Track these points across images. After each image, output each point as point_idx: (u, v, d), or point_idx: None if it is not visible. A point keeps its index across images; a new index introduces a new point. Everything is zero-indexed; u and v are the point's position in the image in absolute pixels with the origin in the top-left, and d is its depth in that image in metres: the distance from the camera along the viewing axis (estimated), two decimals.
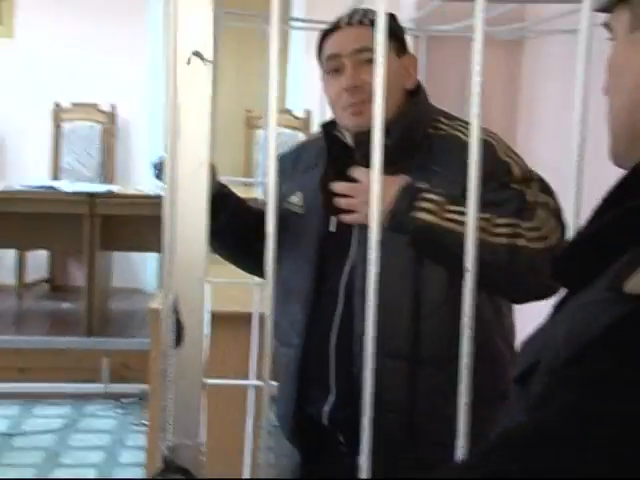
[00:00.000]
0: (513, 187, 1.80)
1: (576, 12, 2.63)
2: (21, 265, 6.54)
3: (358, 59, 1.89)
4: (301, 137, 6.53)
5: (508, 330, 1.95)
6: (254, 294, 3.43)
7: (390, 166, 1.75)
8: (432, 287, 1.84)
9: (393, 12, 1.98)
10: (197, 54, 1.28)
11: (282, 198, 2.00)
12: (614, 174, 0.91)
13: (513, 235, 1.72)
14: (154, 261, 6.73)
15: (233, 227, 2.01)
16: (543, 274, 1.60)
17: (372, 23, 1.85)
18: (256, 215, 1.91)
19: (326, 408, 1.92)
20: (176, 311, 1.30)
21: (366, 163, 1.73)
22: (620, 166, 0.94)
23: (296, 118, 6.43)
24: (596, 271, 0.83)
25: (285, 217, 1.96)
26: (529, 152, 3.58)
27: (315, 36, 3.68)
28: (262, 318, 3.42)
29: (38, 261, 6.65)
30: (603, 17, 1.01)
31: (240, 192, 2.15)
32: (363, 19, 1.92)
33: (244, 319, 3.63)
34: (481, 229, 1.61)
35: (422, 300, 1.83)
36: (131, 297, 6.55)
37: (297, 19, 5.18)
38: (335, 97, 1.94)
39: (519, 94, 3.88)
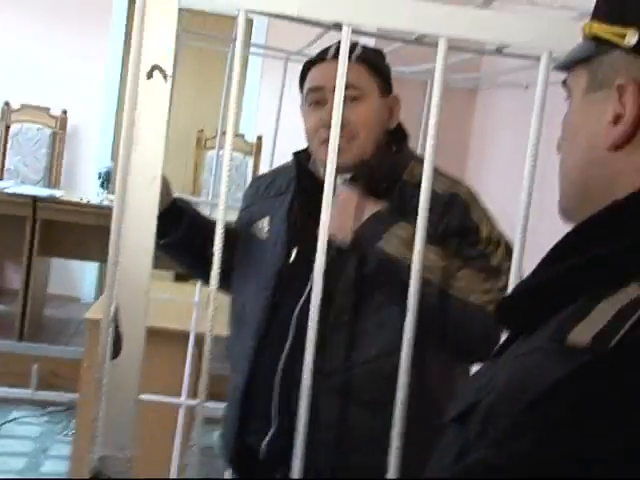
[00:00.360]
0: (478, 248, 1.78)
1: (529, 68, 2.70)
2: None
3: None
4: (250, 162, 6.53)
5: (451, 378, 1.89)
6: (193, 312, 3.42)
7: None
8: (385, 331, 1.78)
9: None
10: (158, 68, 1.28)
11: (251, 221, 2.01)
12: (558, 226, 0.93)
13: (470, 290, 1.71)
14: (93, 270, 6.65)
15: (189, 240, 1.99)
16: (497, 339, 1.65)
17: (359, 59, 1.85)
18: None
19: (266, 440, 1.87)
20: (116, 322, 1.29)
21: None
22: (568, 221, 0.96)
23: (247, 143, 6.43)
24: (539, 320, 0.85)
25: (249, 241, 1.97)
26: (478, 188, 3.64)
27: (273, 63, 3.71)
28: (199, 337, 3.41)
29: None
30: (556, 75, 1.03)
31: None
32: (350, 55, 1.77)
33: (178, 337, 3.62)
34: (437, 270, 1.68)
35: (371, 343, 1.79)
36: (67, 305, 6.45)
37: (257, 45, 5.19)
38: (313, 130, 1.89)
39: (470, 140, 3.95)
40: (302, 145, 1.99)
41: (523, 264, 1.46)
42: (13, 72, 6.55)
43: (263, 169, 6.38)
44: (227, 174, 1.33)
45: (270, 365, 1.86)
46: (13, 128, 6.53)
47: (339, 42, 1.82)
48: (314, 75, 1.90)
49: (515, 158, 3.41)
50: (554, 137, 1.32)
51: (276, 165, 2.16)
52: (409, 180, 1.85)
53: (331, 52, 1.88)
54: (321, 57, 1.89)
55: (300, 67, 1.94)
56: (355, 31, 1.36)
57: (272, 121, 3.57)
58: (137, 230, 1.29)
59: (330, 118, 1.76)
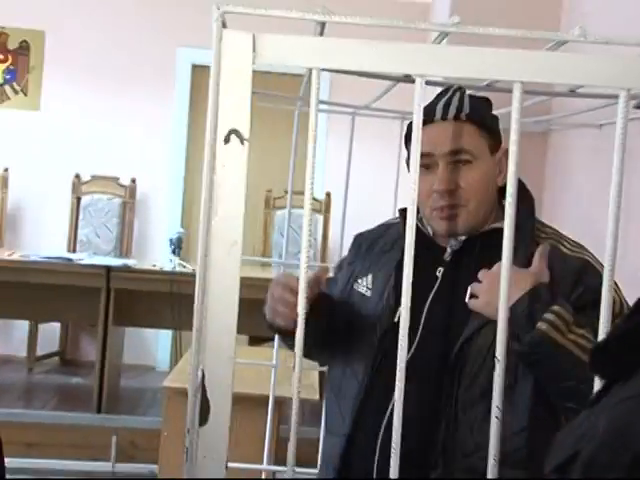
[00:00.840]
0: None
1: (602, 107, 2.69)
2: (32, 337, 6.53)
3: (452, 160, 1.81)
4: (320, 220, 6.57)
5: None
6: (271, 375, 3.43)
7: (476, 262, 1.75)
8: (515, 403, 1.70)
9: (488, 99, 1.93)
10: (235, 132, 1.31)
11: (354, 277, 2.00)
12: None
13: None
14: (167, 338, 6.72)
15: (328, 327, 1.95)
16: None
17: (468, 117, 1.81)
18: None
19: None
20: (203, 389, 1.30)
21: (454, 264, 1.74)
22: None
23: (316, 200, 6.48)
24: (636, 365, 0.83)
25: (351, 297, 1.97)
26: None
27: (338, 119, 3.74)
28: (277, 401, 3.41)
29: (49, 334, 6.66)
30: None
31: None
32: (459, 114, 1.82)
33: (256, 401, 3.63)
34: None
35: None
36: (142, 374, 6.53)
37: (323, 102, 5.22)
38: (424, 196, 1.82)
39: (544, 183, 3.92)
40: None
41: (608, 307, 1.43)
42: (82, 144, 6.76)
43: (333, 226, 6.43)
44: (308, 235, 1.35)
45: (372, 428, 1.82)
46: (84, 200, 6.70)
47: (446, 101, 1.84)
48: (422, 138, 1.81)
49: (592, 199, 3.37)
50: (632, 176, 1.31)
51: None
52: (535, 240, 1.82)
53: (439, 113, 1.83)
54: (428, 119, 1.78)
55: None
56: (427, 82, 1.37)
57: (339, 177, 3.61)
58: (221, 295, 1.30)
59: (444, 187, 1.79)
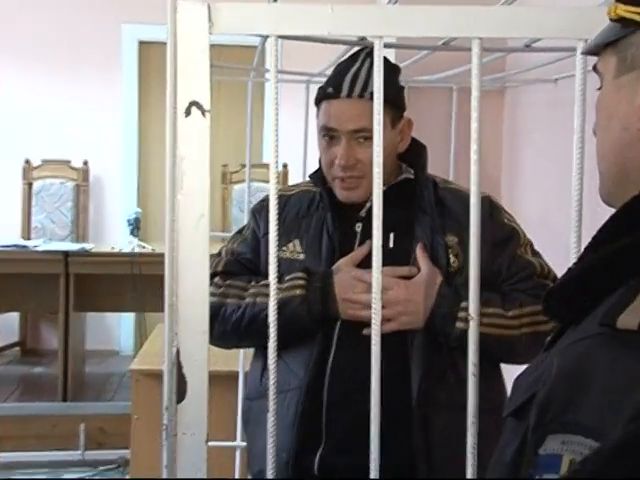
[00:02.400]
0: (521, 256, 1.97)
1: (557, 61, 2.72)
2: None
3: (354, 137, 1.94)
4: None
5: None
6: (240, 351, 3.44)
7: (394, 211, 1.82)
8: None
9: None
10: (196, 104, 1.32)
11: (280, 245, 2.04)
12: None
13: (532, 324, 1.88)
14: (129, 321, 6.70)
15: None
16: None
17: (372, 96, 1.89)
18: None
19: (318, 456, 1.92)
20: (179, 365, 1.31)
21: (370, 218, 1.80)
22: (610, 205, 0.98)
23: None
24: (588, 307, 0.86)
25: (284, 264, 1.99)
26: (514, 201, 3.65)
27: (289, 89, 3.75)
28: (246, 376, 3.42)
29: (8, 324, 6.60)
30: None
31: (219, 247, 2.17)
32: (363, 92, 1.93)
33: (226, 378, 3.64)
34: (505, 327, 1.86)
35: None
36: (107, 360, 6.51)
37: (267, 70, 5.13)
38: (327, 164, 2.00)
39: (502, 140, 3.96)
40: None
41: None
42: (30, 128, 6.67)
43: None
44: (275, 209, 1.36)
45: (317, 379, 1.92)
46: (36, 185, 6.63)
47: (353, 74, 1.94)
48: (328, 112, 1.97)
49: (549, 153, 3.42)
50: (588, 129, 1.34)
51: None
52: (443, 187, 2.03)
53: (345, 89, 1.94)
54: (335, 94, 1.95)
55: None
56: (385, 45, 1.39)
57: (295, 148, 3.62)
58: (191, 270, 1.31)
59: (344, 161, 1.93)
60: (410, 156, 2.06)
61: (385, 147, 1.86)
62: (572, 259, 1.38)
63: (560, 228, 3.17)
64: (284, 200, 2.08)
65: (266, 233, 2.07)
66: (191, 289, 1.31)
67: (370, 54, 1.97)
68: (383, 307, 1.62)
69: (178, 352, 1.32)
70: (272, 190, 1.39)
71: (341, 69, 1.98)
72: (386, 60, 1.95)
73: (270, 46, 1.38)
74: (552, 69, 3.13)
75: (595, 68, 1.01)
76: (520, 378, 0.95)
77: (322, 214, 2.03)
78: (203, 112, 1.32)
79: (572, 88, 2.96)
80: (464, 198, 1.93)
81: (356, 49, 2.04)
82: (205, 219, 1.32)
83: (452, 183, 2.12)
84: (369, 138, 1.90)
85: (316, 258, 1.99)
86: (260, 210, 2.15)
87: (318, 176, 2.07)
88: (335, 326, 1.93)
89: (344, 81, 1.95)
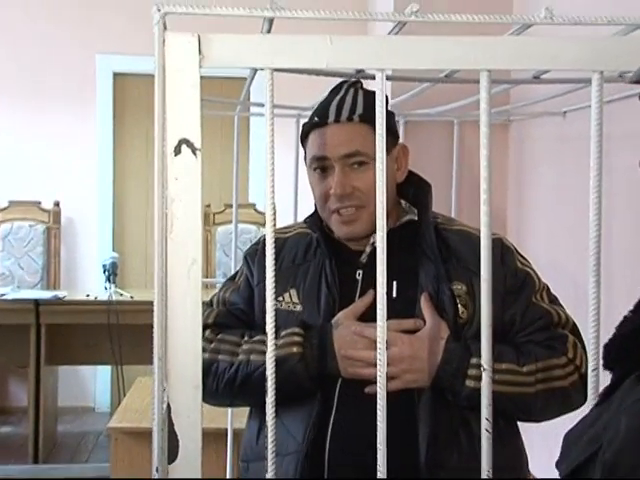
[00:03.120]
0: (536, 304, 1.97)
1: (566, 94, 2.75)
2: None
3: (348, 163, 1.94)
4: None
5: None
6: (228, 409, 3.43)
7: (397, 256, 1.83)
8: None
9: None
10: (186, 142, 1.33)
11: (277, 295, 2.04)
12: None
13: (548, 379, 1.87)
14: (106, 375, 6.67)
15: None
16: (577, 400, 1.85)
17: (362, 118, 1.94)
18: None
19: None
20: (170, 423, 1.31)
21: (371, 265, 1.80)
22: None
23: (260, 213, 6.48)
24: None
25: (280, 317, 1.99)
26: (522, 242, 3.66)
27: (279, 122, 3.77)
28: (236, 434, 3.41)
29: None
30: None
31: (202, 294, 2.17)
32: (351, 115, 1.95)
33: (213, 436, 3.62)
34: (519, 384, 1.85)
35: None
36: (81, 417, 6.48)
37: (257, 104, 5.10)
38: (321, 198, 2.00)
39: (507, 179, 3.98)
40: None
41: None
42: None
43: None
44: (272, 253, 1.37)
45: (318, 441, 1.91)
46: (3, 228, 6.63)
47: (339, 101, 1.98)
48: (316, 141, 1.98)
49: (560, 190, 3.44)
50: (604, 164, 1.35)
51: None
52: (444, 229, 2.04)
53: (331, 115, 1.96)
54: (322, 121, 1.97)
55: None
56: (388, 77, 1.40)
57: (285, 186, 3.63)
58: (182, 320, 1.32)
59: (339, 191, 1.92)
60: (414, 194, 2.07)
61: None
62: (591, 306, 1.39)
63: (573, 271, 3.19)
64: (280, 243, 2.08)
65: (260, 282, 2.08)
66: (182, 340, 1.31)
67: (353, 85, 2.02)
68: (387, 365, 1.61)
69: (169, 408, 1.32)
70: (268, 236, 1.40)
71: (324, 100, 2.02)
72: (370, 92, 1.98)
73: (265, 79, 1.39)
74: (559, 101, 3.16)
75: None
76: (573, 434, 0.94)
77: (320, 261, 2.03)
78: (194, 150, 1.33)
79: (582, 121, 3.00)
80: (471, 240, 1.94)
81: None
82: (197, 265, 1.33)
83: (456, 222, 2.12)
84: (364, 163, 1.93)
85: (314, 310, 1.98)
86: (253, 255, 2.14)
87: (314, 220, 2.07)
88: (336, 385, 1.92)
89: (329, 108, 1.97)
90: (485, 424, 1.39)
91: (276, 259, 2.07)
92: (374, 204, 1.89)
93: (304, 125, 2.03)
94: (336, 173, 1.94)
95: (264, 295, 2.02)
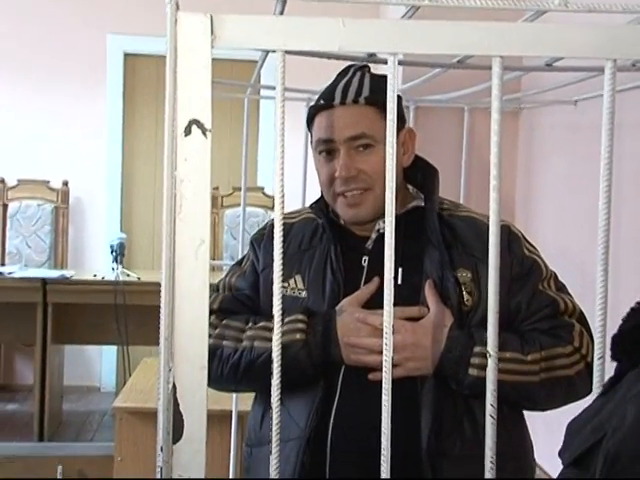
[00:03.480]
0: (543, 291, 1.95)
1: (578, 82, 2.74)
2: None
3: (353, 146, 1.94)
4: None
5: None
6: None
7: (403, 243, 1.83)
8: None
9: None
10: (196, 123, 1.32)
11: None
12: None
13: (553, 368, 1.86)
14: (112, 355, 6.69)
15: None
16: (583, 390, 1.84)
17: (367, 101, 1.93)
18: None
19: None
20: (176, 403, 1.31)
21: (377, 251, 1.79)
22: None
23: (269, 197, 6.47)
24: None
25: (285, 302, 1.98)
26: (530, 230, 3.66)
27: (289, 106, 3.76)
28: (240, 416, 3.43)
29: None
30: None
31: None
32: (357, 98, 1.94)
33: (218, 418, 3.63)
34: (523, 373, 1.84)
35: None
36: (86, 396, 6.50)
37: (268, 87, 5.06)
38: (327, 181, 1.99)
39: (516, 167, 3.97)
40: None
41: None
42: (5, 146, 6.68)
43: None
44: (280, 240, 1.36)
45: (320, 427, 1.91)
46: (11, 207, 6.64)
47: (345, 84, 1.97)
48: (322, 124, 1.97)
49: (570, 179, 3.43)
50: (614, 152, 1.34)
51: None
52: (450, 215, 2.02)
53: (337, 97, 1.95)
54: (328, 104, 1.96)
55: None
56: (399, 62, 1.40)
57: (294, 170, 3.63)
58: (189, 301, 1.31)
59: (345, 173, 1.91)
60: (421, 179, 2.06)
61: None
62: (599, 294, 1.38)
63: (581, 259, 3.18)
64: (287, 228, 2.07)
65: (265, 267, 2.08)
66: (189, 321, 1.31)
67: (360, 69, 2.02)
68: None
69: (174, 388, 1.32)
70: (277, 221, 1.39)
71: (331, 83, 2.01)
72: (376, 75, 1.97)
73: (277, 62, 1.38)
74: (571, 90, 3.15)
75: None
76: (576, 423, 0.94)
77: (326, 247, 2.02)
78: (204, 131, 1.32)
79: (593, 110, 2.99)
80: (478, 226, 1.94)
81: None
82: (205, 246, 1.32)
83: (463, 208, 2.10)
84: (370, 146, 1.92)
85: (319, 296, 1.98)
86: (260, 240, 2.14)
87: (320, 206, 2.07)
88: (339, 371, 1.92)
89: (336, 91, 1.96)
90: (490, 410, 1.38)
91: (283, 244, 2.08)
92: (380, 187, 1.90)
93: (310, 108, 2.03)
94: (341, 156, 1.93)
95: (269, 280, 2.03)
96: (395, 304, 1.49)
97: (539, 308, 1.93)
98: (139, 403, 3.92)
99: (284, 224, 2.06)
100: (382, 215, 1.88)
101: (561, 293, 1.98)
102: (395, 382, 1.53)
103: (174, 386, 1.33)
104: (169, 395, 1.33)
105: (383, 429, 1.40)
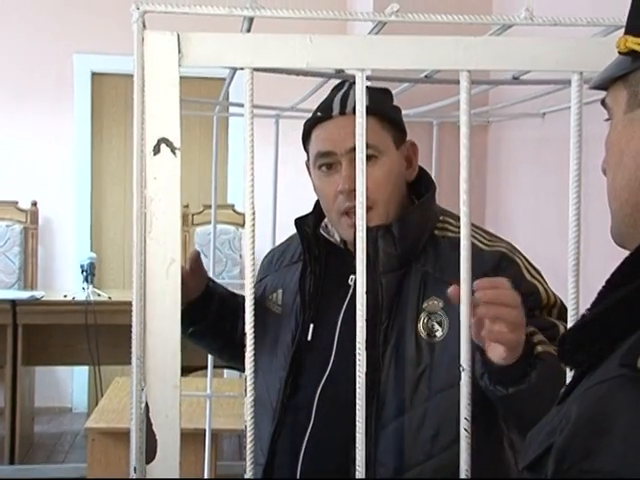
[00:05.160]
0: (545, 319, 1.73)
1: (544, 95, 2.76)
2: None
3: (355, 157, 1.75)
4: (245, 234, 6.54)
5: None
6: (207, 407, 3.42)
7: (393, 272, 1.79)
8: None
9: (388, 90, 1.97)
10: (165, 141, 1.32)
11: (264, 294, 2.01)
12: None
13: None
14: (83, 376, 6.64)
15: (219, 325, 2.05)
16: None
17: (369, 110, 1.70)
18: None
19: None
20: (149, 423, 1.31)
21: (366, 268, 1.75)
22: (622, 246, 1.00)
23: (239, 214, 6.45)
24: (605, 352, 0.88)
25: (264, 315, 1.95)
26: (498, 232, 3.67)
27: (257, 123, 3.77)
28: (214, 435, 3.41)
29: None
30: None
31: None
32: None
33: (191, 437, 3.61)
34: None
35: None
36: (58, 418, 6.44)
37: (236, 104, 5.04)
38: (330, 199, 1.86)
39: (486, 180, 3.99)
40: (302, 210, 1.97)
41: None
42: None
43: (259, 241, 6.40)
44: (252, 253, 1.36)
45: (290, 454, 1.84)
46: None
47: (343, 95, 1.85)
48: (320, 137, 1.86)
49: (537, 191, 3.45)
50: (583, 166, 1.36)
51: (280, 236, 2.16)
52: (442, 234, 1.85)
53: (336, 108, 1.84)
54: (326, 115, 1.85)
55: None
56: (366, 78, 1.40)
57: (264, 188, 3.63)
58: (161, 320, 1.31)
59: (348, 186, 1.76)
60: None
61: (391, 170, 1.81)
62: (572, 307, 1.40)
63: (554, 271, 3.19)
64: (287, 244, 2.07)
65: (260, 279, 2.04)
66: (161, 340, 1.31)
67: (355, 83, 1.93)
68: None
69: (147, 408, 1.31)
70: (248, 237, 1.39)
71: (327, 98, 1.89)
72: (374, 87, 1.92)
73: (245, 79, 1.39)
74: (538, 103, 3.17)
75: (603, 102, 1.04)
76: (533, 432, 0.95)
77: (304, 265, 1.93)
78: (173, 150, 1.32)
79: (561, 122, 3.00)
80: (486, 263, 1.77)
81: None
82: (177, 264, 1.32)
83: (453, 226, 1.88)
84: (373, 157, 1.78)
85: (291, 315, 1.92)
86: (267, 254, 2.14)
87: (306, 222, 1.95)
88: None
89: (334, 102, 1.85)
90: (464, 423, 1.39)
91: (281, 257, 2.06)
92: (384, 202, 1.81)
93: (305, 123, 1.91)
94: (344, 168, 1.80)
95: (256, 293, 2.05)
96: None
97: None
98: (111, 423, 3.89)
99: (282, 244, 2.05)
100: (385, 227, 1.81)
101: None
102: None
103: (147, 405, 1.32)
104: (142, 415, 1.32)
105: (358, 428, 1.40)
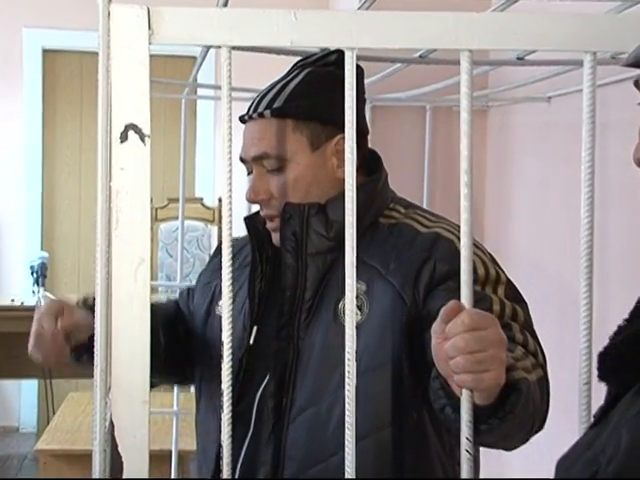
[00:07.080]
0: (477, 291, 1.66)
1: (551, 77, 2.77)
2: None
3: (261, 166, 1.89)
4: (214, 232, 6.54)
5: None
6: (173, 425, 3.43)
7: (321, 254, 1.85)
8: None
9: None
10: (134, 128, 1.33)
11: (213, 298, 2.06)
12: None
13: (536, 366, 1.65)
14: (32, 390, 6.62)
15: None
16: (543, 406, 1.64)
17: (275, 113, 1.85)
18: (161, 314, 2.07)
19: None
20: (114, 443, 1.31)
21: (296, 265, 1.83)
22: None
23: (208, 209, 6.44)
24: None
25: (212, 320, 2.02)
26: (501, 240, 3.69)
27: (235, 107, 3.76)
28: (180, 456, 3.42)
29: None
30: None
31: None
32: (264, 110, 1.88)
33: (156, 458, 3.62)
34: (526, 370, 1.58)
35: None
36: (4, 438, 6.43)
37: (208, 86, 5.01)
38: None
39: (485, 169, 4.00)
40: None
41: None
42: None
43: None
44: (228, 255, 1.37)
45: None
46: None
47: (266, 90, 1.91)
48: (242, 140, 1.93)
49: (545, 183, 3.47)
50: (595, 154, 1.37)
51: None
52: (385, 222, 1.91)
53: (251, 109, 1.91)
54: (245, 114, 1.92)
55: None
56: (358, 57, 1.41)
57: (241, 177, 3.62)
58: (129, 327, 1.32)
59: (253, 197, 1.89)
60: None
61: (302, 176, 1.85)
62: (583, 312, 1.41)
63: (559, 275, 3.21)
64: (243, 242, 2.08)
65: (207, 282, 2.11)
66: (128, 350, 1.31)
67: (304, 67, 1.93)
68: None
69: (112, 427, 1.32)
70: (225, 233, 1.40)
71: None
72: (331, 73, 1.88)
73: (220, 59, 1.39)
74: (543, 86, 3.19)
75: (637, 83, 1.04)
76: (567, 460, 0.95)
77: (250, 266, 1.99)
78: (142, 137, 1.33)
79: (568, 107, 3.01)
80: (401, 235, 1.87)
81: None
82: (146, 265, 1.33)
83: (414, 215, 1.94)
84: (277, 169, 1.86)
85: (238, 320, 1.93)
86: (215, 253, 2.20)
87: (255, 220, 2.01)
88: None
89: (254, 101, 1.92)
90: (465, 444, 1.40)
91: (235, 258, 2.07)
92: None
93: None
94: (253, 177, 1.91)
95: (198, 288, 2.14)
96: None
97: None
98: (66, 445, 3.89)
99: (241, 239, 2.07)
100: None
101: (513, 303, 1.77)
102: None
103: (111, 423, 1.33)
104: (106, 434, 1.32)
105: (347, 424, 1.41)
